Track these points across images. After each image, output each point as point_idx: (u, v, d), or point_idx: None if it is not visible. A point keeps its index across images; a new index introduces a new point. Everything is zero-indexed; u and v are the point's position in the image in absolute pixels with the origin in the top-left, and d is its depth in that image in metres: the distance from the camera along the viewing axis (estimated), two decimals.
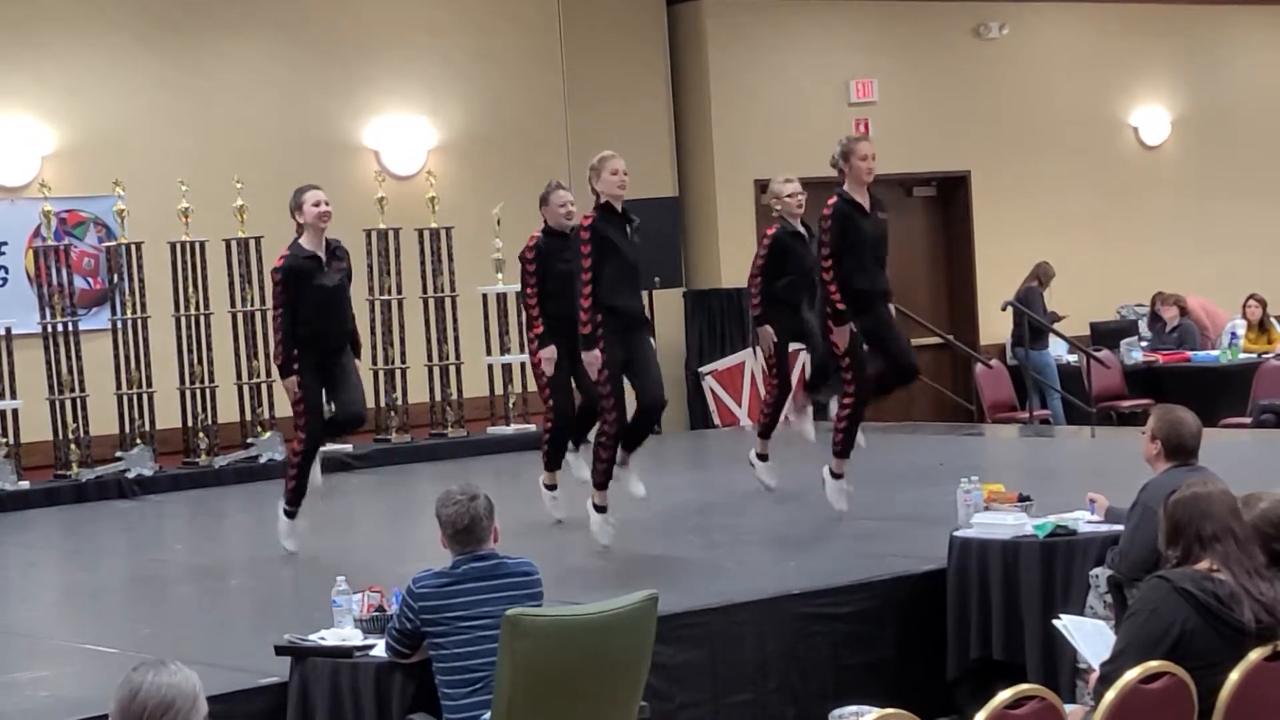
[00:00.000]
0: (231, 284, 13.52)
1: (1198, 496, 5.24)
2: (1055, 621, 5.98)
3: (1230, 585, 5.04)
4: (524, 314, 10.70)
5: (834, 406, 9.83)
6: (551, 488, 10.07)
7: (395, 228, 14.15)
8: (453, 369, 14.38)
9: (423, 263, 14.30)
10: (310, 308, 9.39)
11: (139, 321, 13.16)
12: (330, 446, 13.63)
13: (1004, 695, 4.58)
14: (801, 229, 10.43)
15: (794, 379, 10.95)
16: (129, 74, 14.07)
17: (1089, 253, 17.94)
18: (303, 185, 9.62)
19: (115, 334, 13.18)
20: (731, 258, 15.50)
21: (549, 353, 9.71)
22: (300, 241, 9.51)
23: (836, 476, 9.61)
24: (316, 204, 9.43)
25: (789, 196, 10.49)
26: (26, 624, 8.51)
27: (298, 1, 14.79)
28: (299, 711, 6.32)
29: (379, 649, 6.14)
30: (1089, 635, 5.77)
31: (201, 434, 13.35)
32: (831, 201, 9.35)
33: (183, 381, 13.35)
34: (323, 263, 9.46)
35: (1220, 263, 18.53)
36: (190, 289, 13.37)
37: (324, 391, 9.60)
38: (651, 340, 9.42)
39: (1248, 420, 14.31)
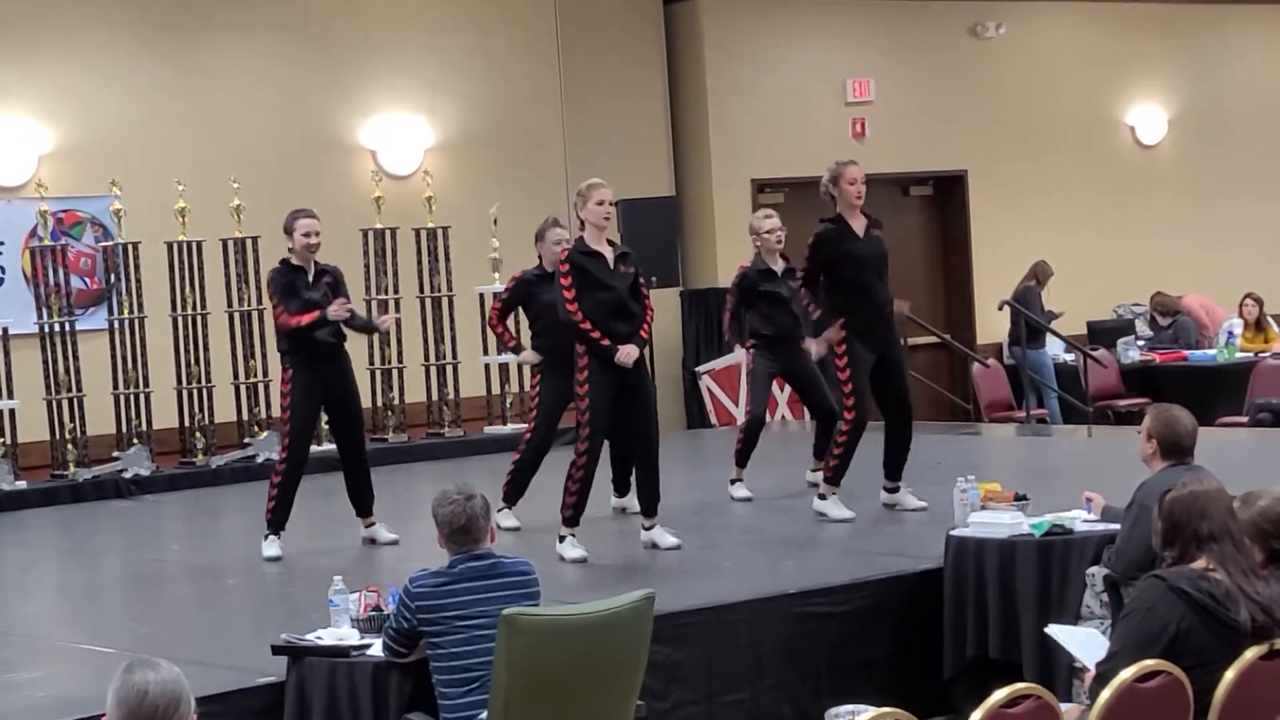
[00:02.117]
0: (228, 284, 13.52)
1: (1195, 495, 5.22)
2: (1047, 630, 5.98)
3: (1226, 585, 5.04)
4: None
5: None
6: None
7: (392, 227, 14.15)
8: (449, 368, 14.38)
9: (420, 262, 14.30)
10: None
11: (136, 321, 13.16)
12: (326, 446, 13.70)
13: (1000, 694, 4.58)
14: (777, 265, 10.54)
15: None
16: (126, 73, 14.07)
17: (1086, 252, 17.96)
18: (298, 209, 9.62)
19: (112, 334, 13.17)
20: (728, 257, 15.48)
21: (527, 356, 10.07)
22: (289, 259, 9.58)
23: (824, 498, 9.65)
24: (307, 234, 9.46)
25: (768, 233, 10.56)
26: (24, 624, 8.51)
27: (295, 1, 14.79)
28: (296, 711, 6.32)
29: (376, 648, 6.15)
30: (1081, 643, 5.76)
31: (199, 434, 13.35)
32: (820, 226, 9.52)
33: (180, 381, 13.35)
34: (309, 277, 9.49)
35: (1217, 262, 18.55)
36: (187, 289, 13.37)
37: (322, 415, 9.62)
38: (648, 376, 9.25)
39: (1244, 419, 14.32)
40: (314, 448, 13.53)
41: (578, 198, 8.97)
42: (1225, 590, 5.02)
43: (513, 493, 10.03)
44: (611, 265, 8.86)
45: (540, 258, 10.08)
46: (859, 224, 9.52)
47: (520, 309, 10.22)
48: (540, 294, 9.84)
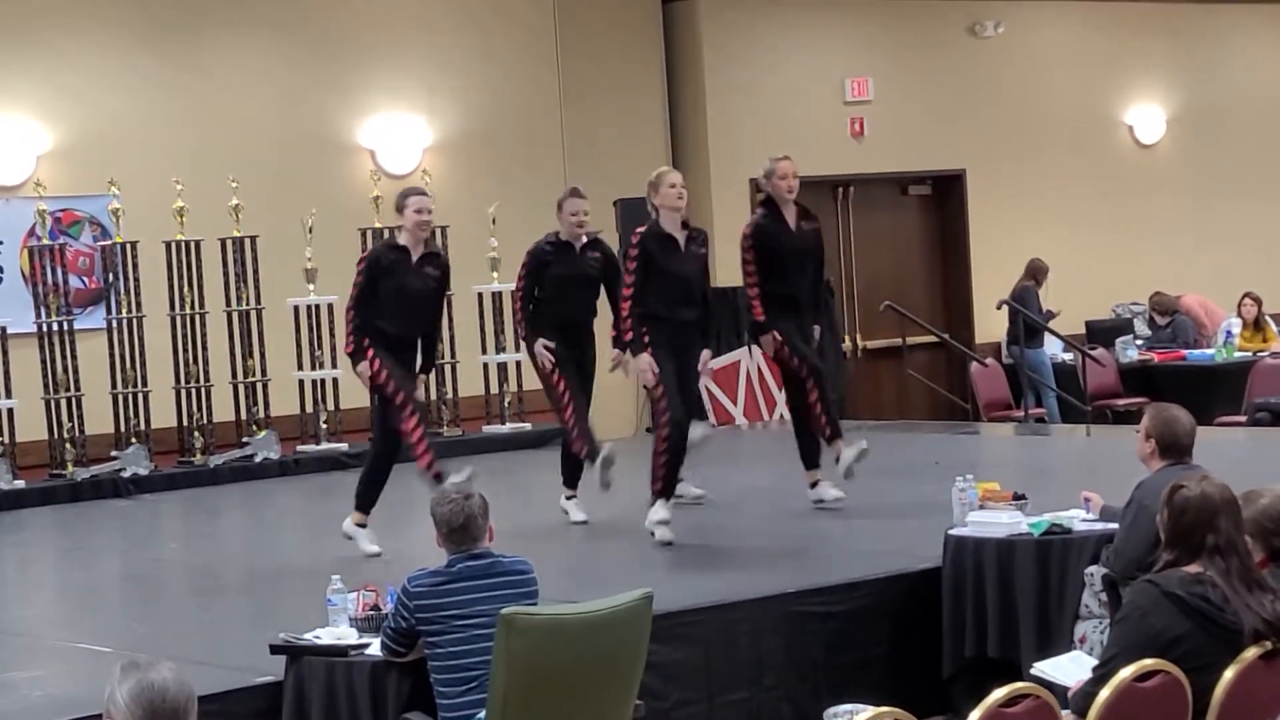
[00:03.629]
0: (227, 283, 13.52)
1: (1207, 502, 5.08)
2: (1033, 670, 5.96)
3: (1222, 589, 5.00)
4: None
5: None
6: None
7: (391, 226, 14.11)
8: (448, 367, 14.37)
9: None
10: (391, 306, 9.22)
11: (134, 321, 13.15)
12: (325, 445, 13.72)
13: (999, 693, 4.57)
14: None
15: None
16: (125, 73, 14.05)
17: (1084, 251, 17.95)
18: (409, 188, 9.58)
19: (110, 333, 13.17)
20: (726, 256, 15.38)
21: (539, 344, 9.69)
22: (395, 239, 9.43)
23: (815, 485, 9.76)
24: (419, 211, 9.29)
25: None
26: (22, 623, 8.51)
27: (294, 0, 14.78)
28: (294, 710, 6.32)
29: (374, 648, 6.15)
30: (1069, 671, 5.73)
31: (197, 433, 13.34)
32: (752, 221, 9.66)
33: (178, 381, 13.34)
34: (411, 261, 9.30)
35: (1215, 261, 18.55)
36: (185, 288, 13.36)
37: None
38: (706, 353, 9.44)
39: (1243, 419, 14.31)
40: (313, 447, 13.72)
41: (649, 188, 9.21)
42: (1221, 594, 4.98)
43: (570, 476, 9.99)
44: (683, 248, 9.12)
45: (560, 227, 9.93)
46: (791, 219, 9.77)
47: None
48: (552, 265, 9.77)
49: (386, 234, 14.07)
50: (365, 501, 9.48)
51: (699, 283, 9.26)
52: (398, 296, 9.24)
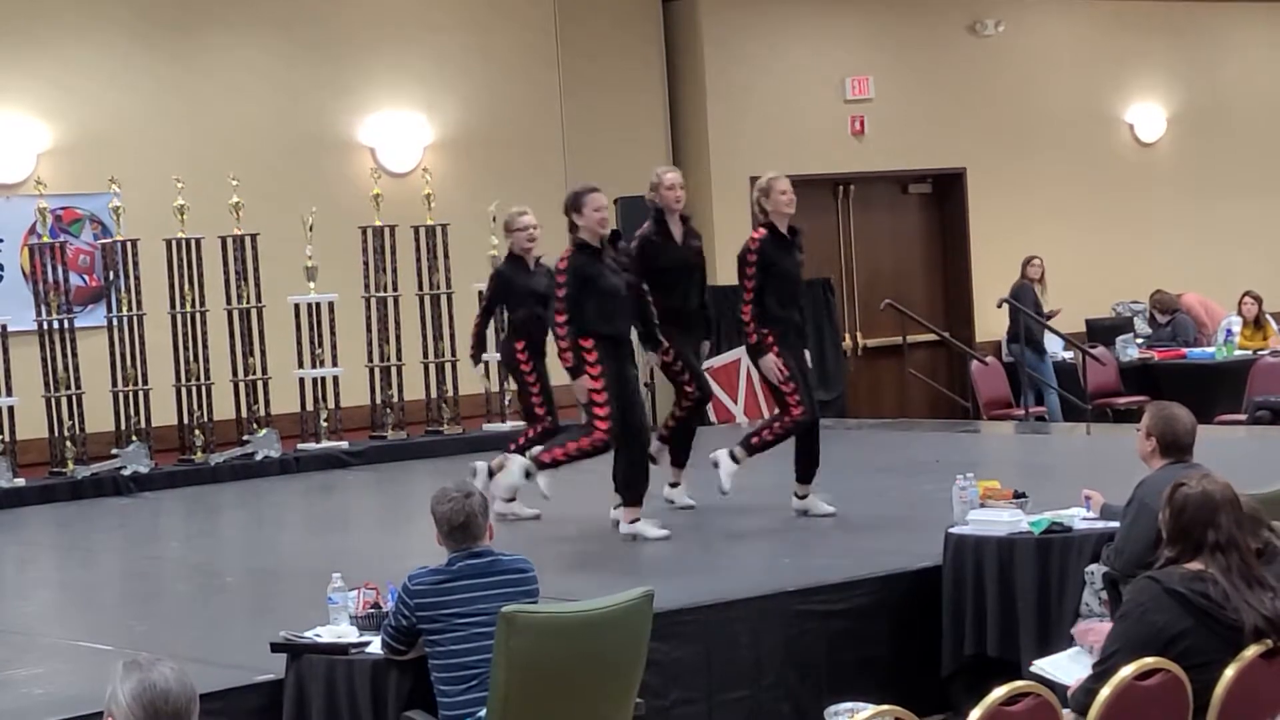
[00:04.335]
0: (227, 281, 13.52)
1: (1207, 499, 5.09)
2: (1033, 668, 5.96)
3: (1223, 587, 5.00)
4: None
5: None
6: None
7: (391, 225, 14.14)
8: (448, 366, 14.37)
9: (419, 260, 14.29)
10: (599, 308, 8.95)
11: (135, 319, 13.15)
12: (325, 443, 13.72)
13: (999, 692, 4.56)
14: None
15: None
16: (125, 71, 14.06)
17: (1084, 250, 17.97)
18: (582, 187, 9.19)
19: (111, 331, 13.17)
20: (726, 255, 15.40)
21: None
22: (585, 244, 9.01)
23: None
24: (598, 209, 9.00)
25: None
26: (22, 621, 8.51)
27: None
28: (295, 708, 6.32)
29: (375, 646, 6.15)
30: (1067, 669, 5.73)
31: (198, 431, 13.34)
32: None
33: (179, 379, 13.34)
34: (604, 262, 9.07)
35: (1215, 260, 18.57)
36: (186, 286, 13.35)
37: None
38: (807, 353, 9.55)
39: (1243, 417, 14.32)
40: (313, 445, 13.73)
41: (759, 194, 9.32)
42: (1223, 591, 4.99)
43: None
44: (794, 250, 9.34)
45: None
46: (678, 229, 9.75)
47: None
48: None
49: (388, 233, 14.11)
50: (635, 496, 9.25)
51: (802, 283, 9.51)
52: (607, 297, 9.01)
